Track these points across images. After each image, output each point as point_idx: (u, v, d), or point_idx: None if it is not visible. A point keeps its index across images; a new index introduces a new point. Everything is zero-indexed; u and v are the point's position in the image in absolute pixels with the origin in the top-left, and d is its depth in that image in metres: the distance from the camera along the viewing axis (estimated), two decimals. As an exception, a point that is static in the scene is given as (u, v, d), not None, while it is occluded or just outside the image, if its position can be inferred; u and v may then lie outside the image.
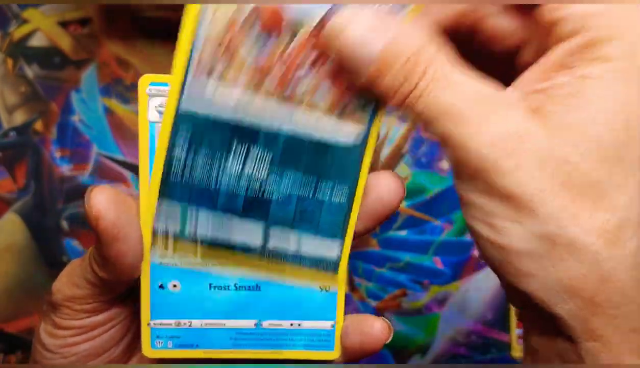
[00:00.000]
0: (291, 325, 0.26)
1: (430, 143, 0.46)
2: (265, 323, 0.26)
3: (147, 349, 0.26)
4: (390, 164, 0.46)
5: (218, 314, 0.26)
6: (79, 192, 0.46)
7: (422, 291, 0.46)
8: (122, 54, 0.46)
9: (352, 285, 0.46)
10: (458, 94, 0.21)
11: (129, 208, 0.24)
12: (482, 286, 0.46)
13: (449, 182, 0.46)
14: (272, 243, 0.25)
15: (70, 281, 0.26)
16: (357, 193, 0.25)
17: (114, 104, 0.46)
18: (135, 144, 0.47)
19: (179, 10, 0.41)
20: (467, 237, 0.46)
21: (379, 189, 0.25)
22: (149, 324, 0.26)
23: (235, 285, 0.25)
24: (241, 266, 0.25)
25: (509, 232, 0.21)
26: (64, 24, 0.46)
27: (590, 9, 0.21)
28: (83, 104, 0.46)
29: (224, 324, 0.26)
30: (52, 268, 0.46)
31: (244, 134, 0.24)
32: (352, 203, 0.25)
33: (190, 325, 0.26)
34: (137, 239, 0.24)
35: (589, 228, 0.20)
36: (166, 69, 0.46)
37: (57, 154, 0.46)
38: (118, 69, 0.46)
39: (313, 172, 0.24)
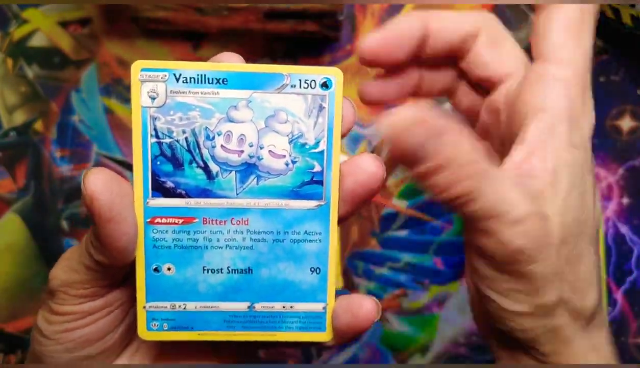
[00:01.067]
0: (283, 307, 0.27)
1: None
2: (258, 306, 0.27)
3: (143, 331, 0.27)
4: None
5: (212, 297, 0.26)
6: (79, 192, 0.46)
7: (422, 291, 0.46)
8: (122, 54, 0.46)
9: (352, 285, 0.46)
10: (499, 194, 0.25)
11: (124, 191, 0.25)
12: (482, 286, 0.46)
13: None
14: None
15: (67, 267, 0.27)
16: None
17: (114, 104, 0.46)
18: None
19: (179, 10, 0.42)
20: (467, 237, 0.46)
21: (357, 172, 0.26)
22: (144, 307, 0.26)
23: (228, 268, 0.26)
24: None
25: (517, 301, 0.27)
26: (64, 24, 0.46)
27: (547, 92, 0.27)
28: (83, 104, 0.46)
29: (218, 306, 0.27)
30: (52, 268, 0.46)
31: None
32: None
33: (185, 308, 0.26)
34: (132, 221, 0.25)
35: (580, 310, 0.27)
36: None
37: (57, 154, 0.46)
38: (118, 69, 0.46)
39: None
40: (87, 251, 0.25)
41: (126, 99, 0.46)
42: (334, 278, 0.27)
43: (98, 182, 0.24)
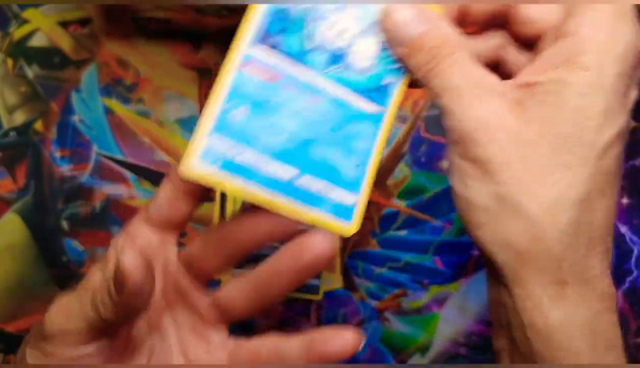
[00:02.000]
0: (324, 188, 0.29)
1: (430, 143, 0.46)
2: (304, 178, 0.28)
3: (191, 163, 0.26)
4: (390, 164, 0.46)
5: (269, 152, 0.28)
6: (79, 192, 0.46)
7: (422, 291, 0.46)
8: (123, 54, 0.46)
9: (352, 285, 0.46)
10: (464, 77, 0.26)
11: (150, 268, 0.26)
12: (482, 286, 0.46)
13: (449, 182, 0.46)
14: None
15: (65, 315, 0.27)
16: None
17: (114, 104, 0.46)
18: (135, 144, 0.47)
19: (179, 10, 0.42)
20: (467, 237, 0.46)
21: (306, 250, 0.28)
22: (208, 135, 0.27)
23: (291, 133, 0.28)
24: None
25: (473, 189, 0.26)
26: (64, 24, 0.46)
27: (579, 20, 0.26)
28: (83, 104, 0.46)
29: (270, 164, 0.28)
30: (52, 268, 0.46)
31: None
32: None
33: (242, 154, 0.27)
34: (153, 288, 0.26)
35: (533, 197, 0.25)
36: (166, 68, 0.47)
37: (57, 154, 0.46)
38: (118, 69, 0.46)
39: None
40: (93, 306, 0.25)
41: (126, 99, 0.46)
42: (372, 178, 0.29)
43: (134, 260, 0.24)
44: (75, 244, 0.46)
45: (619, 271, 0.47)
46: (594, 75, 0.25)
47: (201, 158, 0.26)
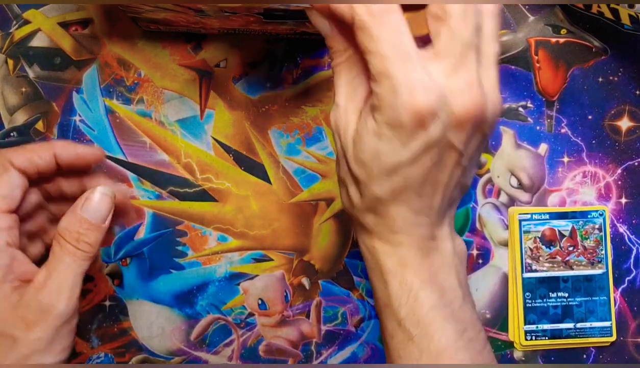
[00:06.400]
0: None
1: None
2: None
3: None
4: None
5: None
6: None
7: (421, 291, 0.46)
8: (123, 55, 0.46)
9: (351, 284, 0.46)
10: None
11: None
12: (480, 285, 0.46)
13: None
14: None
15: None
16: None
17: (116, 104, 0.46)
18: (136, 143, 0.47)
19: (179, 11, 0.42)
20: (465, 236, 0.46)
21: None
22: None
23: None
24: None
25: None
26: (65, 25, 0.46)
27: None
28: (84, 105, 0.46)
29: None
30: (53, 268, 0.46)
31: None
32: None
33: None
34: None
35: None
36: (166, 68, 0.47)
37: (58, 154, 0.46)
38: (119, 70, 0.46)
39: None
40: None
41: (127, 100, 0.46)
42: None
43: None
44: (76, 243, 0.46)
45: (617, 270, 0.47)
46: None
47: None
